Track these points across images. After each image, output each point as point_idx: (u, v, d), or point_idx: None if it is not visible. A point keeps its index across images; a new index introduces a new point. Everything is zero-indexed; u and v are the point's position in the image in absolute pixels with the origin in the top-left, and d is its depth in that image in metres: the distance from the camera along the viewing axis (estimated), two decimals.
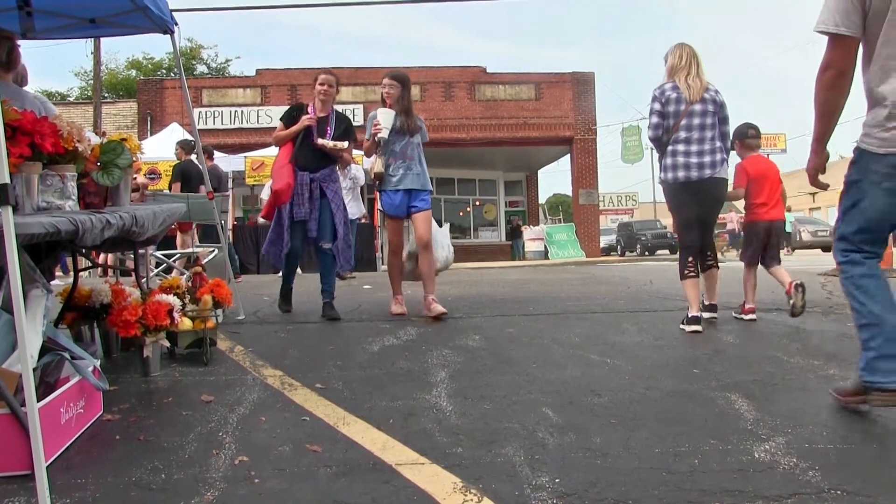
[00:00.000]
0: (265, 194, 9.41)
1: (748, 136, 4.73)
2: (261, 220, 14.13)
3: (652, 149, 4.70)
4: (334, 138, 4.74)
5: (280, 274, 5.31)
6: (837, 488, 1.80)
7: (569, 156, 21.02)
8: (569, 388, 2.86)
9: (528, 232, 21.30)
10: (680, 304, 5.24)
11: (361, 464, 2.05)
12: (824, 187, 2.72)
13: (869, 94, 2.35)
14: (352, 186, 9.06)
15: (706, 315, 4.38)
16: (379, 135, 4.64)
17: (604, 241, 24.83)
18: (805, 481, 1.86)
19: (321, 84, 4.77)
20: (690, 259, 4.26)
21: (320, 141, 4.66)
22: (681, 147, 4.18)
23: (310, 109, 4.77)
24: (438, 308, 4.64)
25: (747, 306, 4.57)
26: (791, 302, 4.24)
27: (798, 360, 3.28)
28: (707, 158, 4.14)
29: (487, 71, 20.03)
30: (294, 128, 4.69)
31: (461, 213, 24.11)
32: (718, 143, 4.19)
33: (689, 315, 4.14)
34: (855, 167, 2.41)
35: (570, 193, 22.35)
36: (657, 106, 4.25)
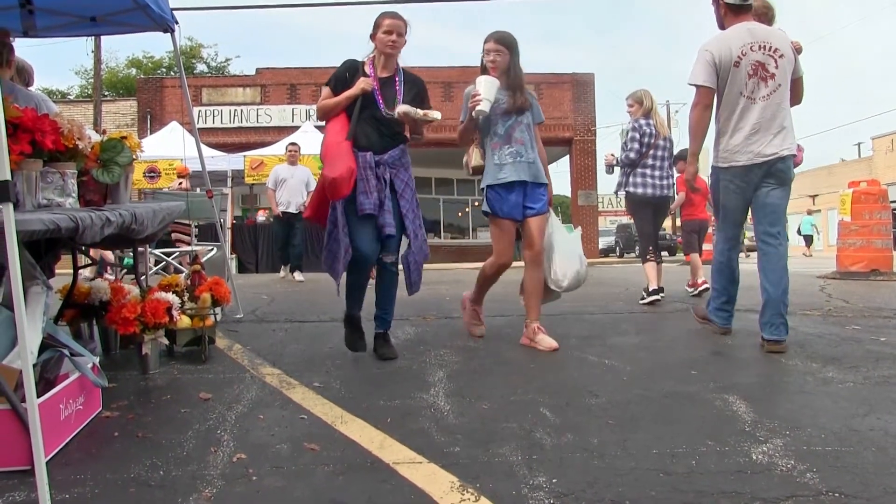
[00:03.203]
0: (271, 185, 8.98)
1: (685, 158, 5.80)
2: (261, 219, 14.17)
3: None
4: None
5: (340, 293, 3.52)
6: (835, 491, 1.81)
7: (568, 157, 21.03)
8: (566, 388, 2.86)
9: None
10: (679, 307, 5.26)
11: (359, 462, 2.06)
12: (697, 189, 4.19)
13: (718, 128, 3.63)
14: None
15: (656, 296, 5.64)
16: (478, 107, 3.54)
17: (602, 242, 24.86)
18: (803, 483, 1.86)
19: (387, 31, 3.36)
20: (650, 248, 5.76)
21: (402, 108, 3.32)
22: (649, 171, 5.63)
23: (368, 68, 3.45)
24: (549, 341, 3.66)
25: (699, 281, 6.21)
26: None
27: (796, 362, 3.29)
28: (665, 182, 5.68)
29: None
30: (348, 93, 3.36)
31: (460, 214, 24.13)
32: (669, 171, 5.74)
33: (650, 289, 5.56)
34: (717, 182, 3.70)
35: (569, 194, 22.35)
36: (638, 136, 5.64)
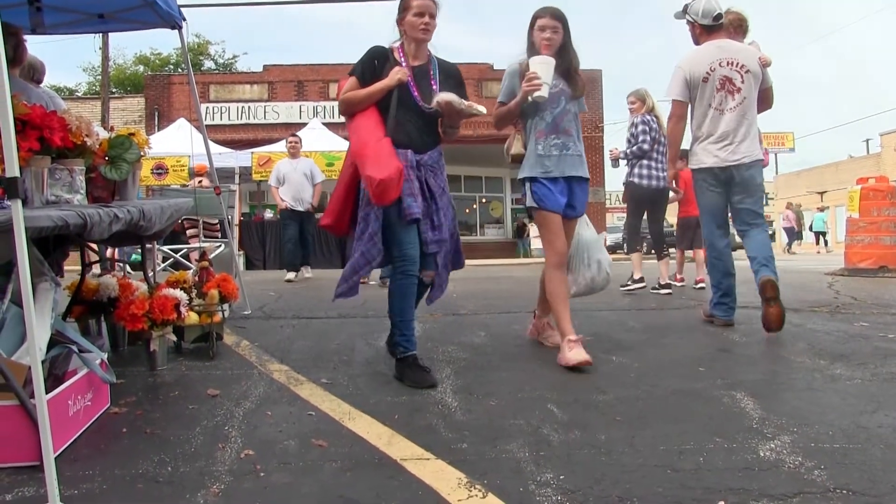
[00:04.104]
0: (274, 182, 8.80)
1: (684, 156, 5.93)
2: (269, 215, 14.20)
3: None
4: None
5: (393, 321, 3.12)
6: (843, 488, 1.80)
7: None
8: (574, 385, 2.86)
9: (534, 230, 21.28)
10: (686, 304, 5.24)
11: (367, 458, 2.06)
12: (679, 194, 4.71)
13: (692, 135, 4.06)
14: None
15: (663, 292, 6.03)
16: (538, 93, 3.12)
17: (610, 239, 24.75)
18: (810, 480, 1.86)
19: (418, 13, 2.94)
20: (637, 240, 6.49)
21: (446, 96, 2.90)
22: (654, 164, 6.07)
23: (398, 55, 3.03)
24: (556, 338, 3.44)
25: (699, 278, 6.45)
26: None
27: (804, 359, 3.27)
28: (664, 174, 5.93)
29: (494, 68, 19.97)
30: (382, 84, 2.92)
31: (467, 211, 24.10)
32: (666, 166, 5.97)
33: (635, 277, 6.20)
34: (694, 182, 4.13)
35: None
36: (647, 129, 6.04)
